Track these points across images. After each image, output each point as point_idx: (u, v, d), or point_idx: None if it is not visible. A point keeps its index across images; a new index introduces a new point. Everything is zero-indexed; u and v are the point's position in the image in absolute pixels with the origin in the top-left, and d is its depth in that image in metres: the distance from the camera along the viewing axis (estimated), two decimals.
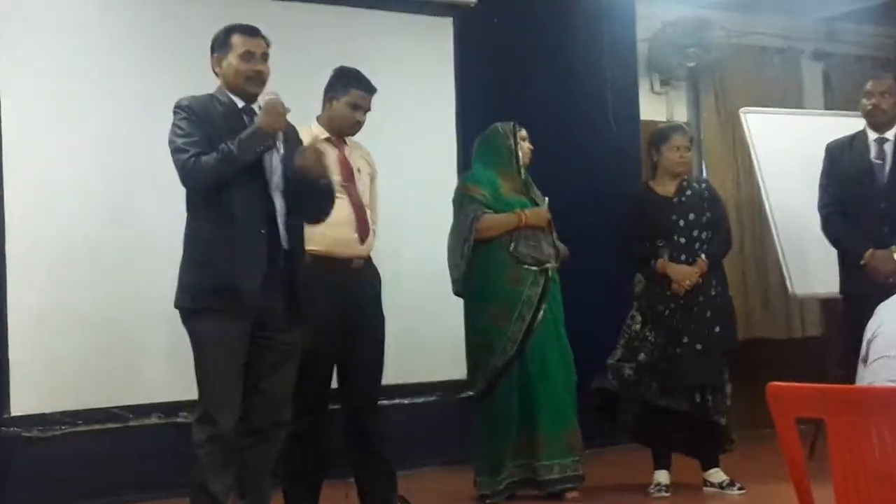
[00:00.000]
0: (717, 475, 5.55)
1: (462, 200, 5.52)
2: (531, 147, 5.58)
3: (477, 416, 5.50)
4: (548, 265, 5.43)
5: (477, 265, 5.42)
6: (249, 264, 4.02)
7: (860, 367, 2.45)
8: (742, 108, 7.16)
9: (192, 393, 5.68)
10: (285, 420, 4.26)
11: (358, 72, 4.96)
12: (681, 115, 7.76)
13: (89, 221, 5.60)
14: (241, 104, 4.18)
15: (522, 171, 5.55)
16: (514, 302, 5.35)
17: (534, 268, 5.39)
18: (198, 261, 4.07)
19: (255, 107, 4.19)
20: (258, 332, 4.09)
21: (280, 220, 4.11)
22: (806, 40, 8.19)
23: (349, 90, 4.92)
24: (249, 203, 4.05)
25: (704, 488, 5.55)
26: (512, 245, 5.38)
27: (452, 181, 6.57)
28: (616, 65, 7.22)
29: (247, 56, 4.14)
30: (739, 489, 5.47)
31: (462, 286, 5.49)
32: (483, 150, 5.62)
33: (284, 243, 4.12)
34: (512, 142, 5.52)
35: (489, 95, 6.62)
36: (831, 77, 8.30)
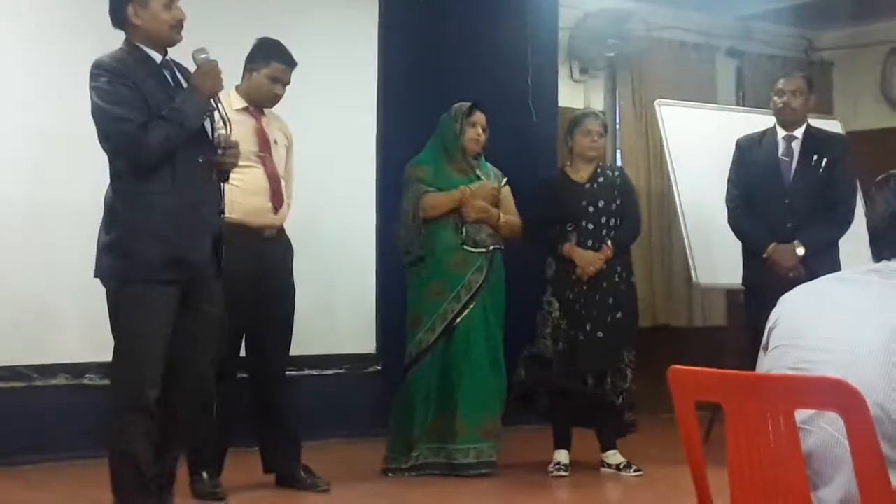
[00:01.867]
0: (614, 457, 5.65)
1: (407, 183, 5.54)
2: (482, 132, 5.52)
3: (396, 395, 5.54)
4: (493, 247, 5.47)
5: (430, 242, 5.44)
6: (197, 233, 3.93)
7: (761, 354, 2.52)
8: (657, 100, 7.27)
9: (100, 355, 5.66)
10: (211, 389, 4.17)
11: (280, 44, 4.95)
12: (598, 103, 7.84)
13: (1, 180, 5.51)
14: (158, 58, 3.97)
15: (468, 155, 5.53)
16: (455, 283, 5.38)
17: (481, 250, 5.43)
18: (145, 230, 3.86)
19: (169, 59, 4.01)
20: (186, 298, 3.95)
21: (221, 183, 4.03)
22: (722, 37, 8.34)
23: (270, 62, 4.92)
24: (193, 168, 3.92)
25: (602, 469, 5.64)
26: (464, 231, 5.42)
27: (370, 155, 6.62)
28: (537, 52, 7.27)
29: (169, 3, 3.93)
30: (636, 471, 5.57)
31: (419, 248, 5.47)
32: (437, 130, 5.60)
33: (221, 207, 4.05)
34: (458, 125, 5.48)
35: (411, 74, 6.64)
36: (744, 74, 8.47)
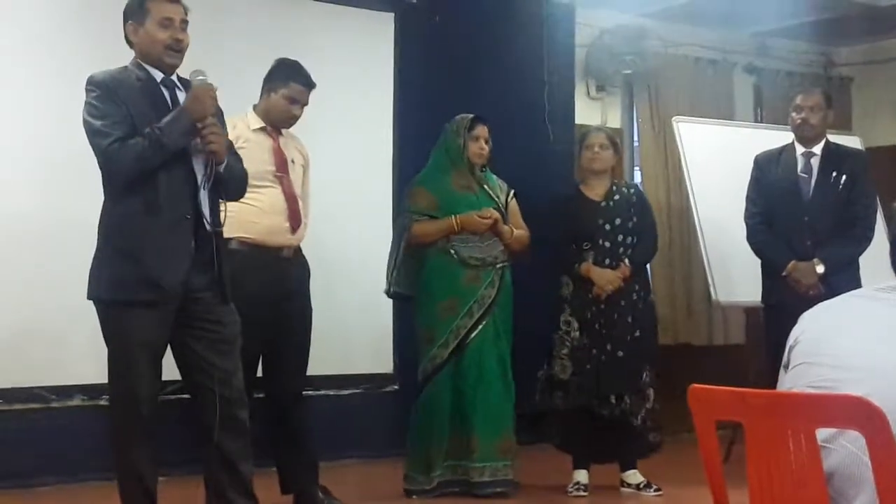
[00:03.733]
0: (634, 476, 5.61)
1: (404, 206, 5.56)
2: (485, 145, 5.51)
3: (412, 414, 5.51)
4: (498, 264, 5.45)
5: (429, 266, 5.44)
6: (175, 255, 3.86)
7: (781, 372, 2.48)
8: (674, 117, 7.26)
9: None
10: (241, 409, 4.07)
11: (298, 65, 4.95)
12: (615, 120, 7.84)
13: (12, 201, 5.53)
14: (159, 77, 3.96)
15: (475, 168, 5.53)
16: (468, 298, 5.36)
17: (489, 268, 5.41)
18: (119, 250, 3.87)
19: (174, 78, 4.00)
20: (185, 320, 3.93)
21: (205, 205, 3.93)
22: (739, 54, 8.32)
23: (288, 83, 4.91)
24: (174, 188, 3.86)
25: (621, 489, 5.61)
26: (452, 251, 5.40)
27: (387, 176, 6.61)
28: (554, 69, 7.29)
29: (165, 23, 3.89)
30: (656, 491, 5.53)
31: (404, 287, 5.51)
32: (439, 143, 5.60)
33: (209, 227, 3.94)
34: (462, 139, 5.48)
35: (427, 92, 6.63)
36: (762, 90, 8.45)
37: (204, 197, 3.93)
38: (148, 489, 3.93)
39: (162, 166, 3.82)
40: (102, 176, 3.94)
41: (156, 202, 3.82)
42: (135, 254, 3.84)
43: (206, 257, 3.94)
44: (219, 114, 4.05)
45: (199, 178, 3.91)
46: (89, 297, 3.97)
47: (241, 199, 4.35)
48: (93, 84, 3.87)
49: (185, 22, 3.96)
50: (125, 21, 3.98)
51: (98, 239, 3.97)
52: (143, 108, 3.86)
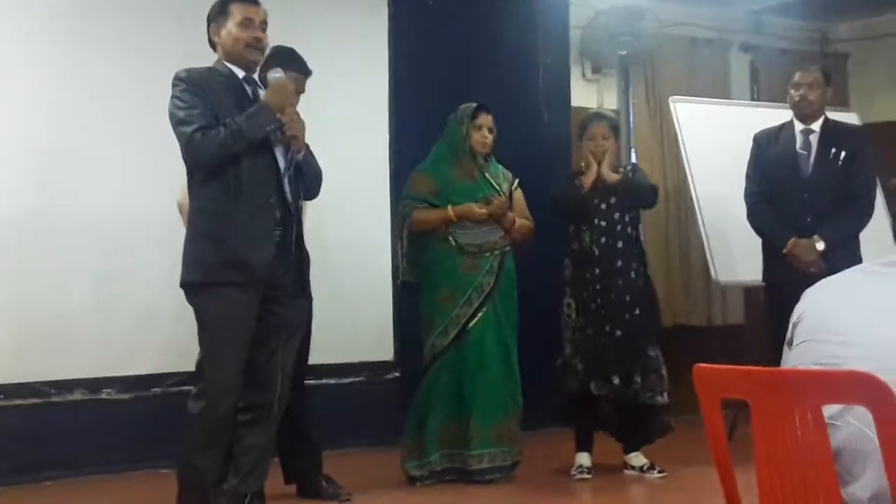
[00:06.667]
0: (637, 459, 5.61)
1: (405, 194, 5.54)
2: (488, 134, 5.47)
3: (411, 401, 5.50)
4: (496, 250, 5.43)
5: (429, 253, 5.43)
6: (259, 236, 4.01)
7: (785, 350, 2.47)
8: (672, 97, 7.24)
9: (118, 370, 5.67)
10: (285, 398, 4.23)
11: (295, 52, 4.94)
12: (611, 102, 7.82)
13: (14, 195, 5.51)
14: (241, 74, 4.16)
15: (478, 157, 5.50)
16: (466, 287, 5.35)
17: (486, 254, 5.39)
18: (206, 234, 4.03)
19: (255, 76, 4.20)
20: (265, 306, 4.07)
21: (288, 191, 4.08)
22: (734, 32, 8.29)
23: (285, 72, 4.88)
24: (257, 175, 4.03)
25: (625, 472, 5.60)
26: (451, 238, 5.38)
27: (384, 163, 6.59)
28: (549, 51, 7.26)
29: (245, 23, 4.13)
30: (660, 472, 5.53)
31: (412, 275, 5.52)
32: (443, 133, 5.58)
33: (292, 210, 4.10)
34: (465, 127, 5.45)
35: (422, 79, 6.61)
36: (758, 69, 8.42)
37: (286, 184, 4.09)
38: (203, 481, 4.05)
39: (245, 154, 4.00)
40: (186, 164, 4.11)
41: (239, 188, 4.00)
42: (220, 236, 4.00)
43: (288, 244, 4.10)
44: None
45: (281, 166, 4.09)
46: (180, 285, 4.09)
47: None
48: (177, 79, 4.07)
49: (264, 23, 4.21)
50: (209, 24, 4.20)
51: (187, 228, 4.14)
52: (226, 103, 4.05)
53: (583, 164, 5.60)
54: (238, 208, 3.99)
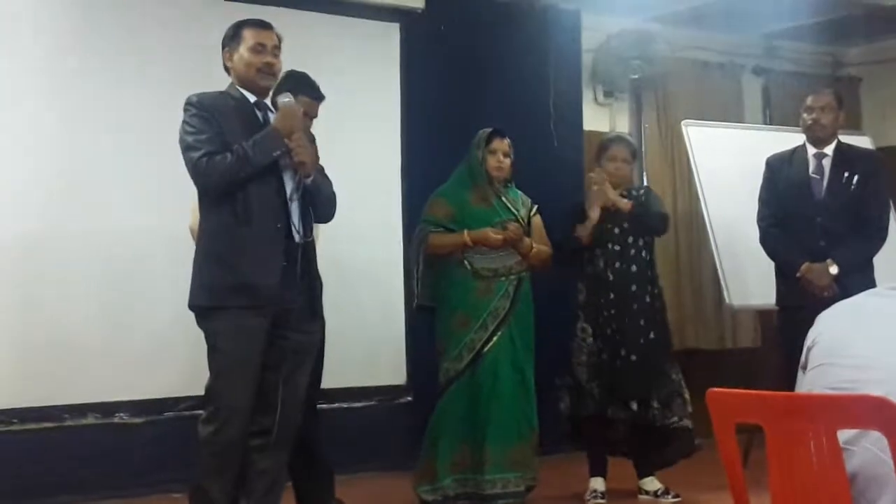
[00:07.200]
0: (651, 483, 5.59)
1: (423, 217, 5.53)
2: (504, 158, 5.44)
3: (426, 426, 5.47)
4: (512, 275, 5.41)
5: (445, 277, 5.42)
6: (267, 260, 4.00)
7: (800, 374, 2.47)
8: (683, 121, 7.23)
9: (131, 394, 5.68)
10: (297, 423, 4.22)
11: (308, 77, 4.94)
12: (623, 126, 7.82)
13: (26, 218, 5.53)
14: (252, 99, 4.16)
15: (494, 182, 5.47)
16: (481, 311, 5.32)
17: (501, 279, 5.39)
18: (214, 257, 4.03)
19: (267, 101, 4.20)
20: (276, 330, 4.05)
21: (295, 216, 4.08)
22: (746, 56, 8.30)
23: (297, 96, 4.89)
24: (265, 200, 4.03)
25: (639, 496, 5.58)
26: (466, 262, 5.37)
27: (396, 186, 6.61)
28: (561, 75, 7.27)
29: (258, 48, 4.12)
30: (675, 497, 5.51)
31: (427, 299, 5.50)
32: (465, 156, 5.56)
33: (299, 238, 4.08)
34: (480, 152, 5.43)
35: (434, 102, 6.63)
36: (770, 92, 8.42)
37: (294, 209, 4.09)
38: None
39: (254, 179, 4.00)
40: (196, 188, 4.11)
41: (247, 212, 4.00)
42: (229, 260, 4.01)
43: (298, 270, 4.08)
44: (307, 134, 4.25)
45: (289, 191, 4.09)
46: (189, 307, 4.09)
47: None
48: (189, 104, 4.07)
49: (277, 48, 4.19)
50: (223, 48, 4.19)
51: (195, 251, 4.14)
52: (236, 128, 4.05)
53: (594, 186, 5.60)
54: (246, 232, 4.00)
